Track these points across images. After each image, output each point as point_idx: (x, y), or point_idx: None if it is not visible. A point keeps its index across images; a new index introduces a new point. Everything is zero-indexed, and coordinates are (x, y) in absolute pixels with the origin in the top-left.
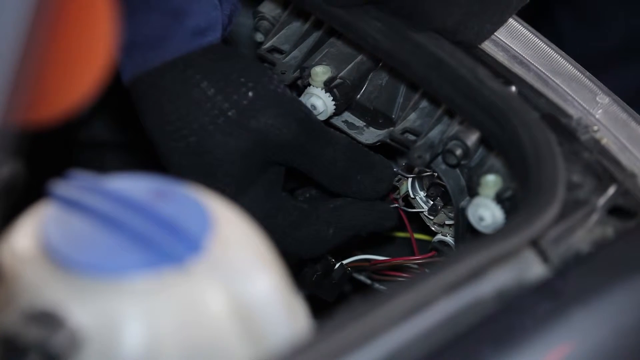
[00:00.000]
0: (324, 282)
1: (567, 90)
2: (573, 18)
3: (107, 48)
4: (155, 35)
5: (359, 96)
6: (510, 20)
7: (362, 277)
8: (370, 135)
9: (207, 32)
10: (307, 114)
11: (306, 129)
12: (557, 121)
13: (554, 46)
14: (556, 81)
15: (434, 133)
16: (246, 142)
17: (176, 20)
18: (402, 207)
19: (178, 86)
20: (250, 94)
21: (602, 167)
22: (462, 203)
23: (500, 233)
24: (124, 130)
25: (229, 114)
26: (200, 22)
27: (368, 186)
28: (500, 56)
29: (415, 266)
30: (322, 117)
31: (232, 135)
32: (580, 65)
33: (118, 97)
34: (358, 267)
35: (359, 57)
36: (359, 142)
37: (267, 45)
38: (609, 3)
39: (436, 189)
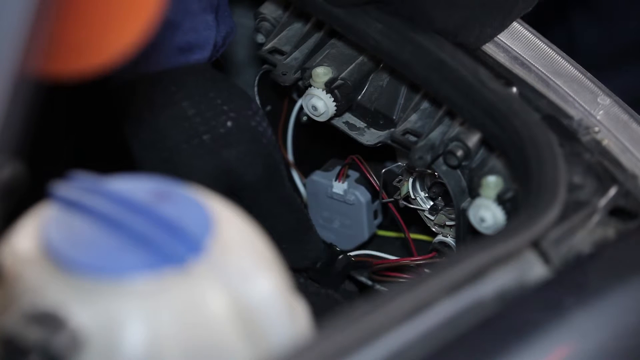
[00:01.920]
0: (327, 270)
1: (568, 91)
2: (585, 17)
3: None
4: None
5: (359, 97)
6: None
7: (363, 278)
8: (371, 136)
9: (195, 50)
10: (277, 161)
11: (269, 177)
12: (558, 122)
13: (555, 47)
14: (557, 82)
15: (435, 134)
16: (212, 168)
17: (167, 32)
18: (402, 206)
19: (160, 101)
20: (229, 123)
21: (603, 168)
22: (463, 204)
23: (501, 234)
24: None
25: (204, 137)
26: (190, 38)
27: (292, 255)
28: (501, 57)
29: (416, 267)
30: (323, 118)
31: (202, 159)
32: (592, 64)
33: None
34: (360, 262)
35: (360, 58)
36: (360, 143)
37: (268, 46)
38: (621, 2)
39: (438, 188)
